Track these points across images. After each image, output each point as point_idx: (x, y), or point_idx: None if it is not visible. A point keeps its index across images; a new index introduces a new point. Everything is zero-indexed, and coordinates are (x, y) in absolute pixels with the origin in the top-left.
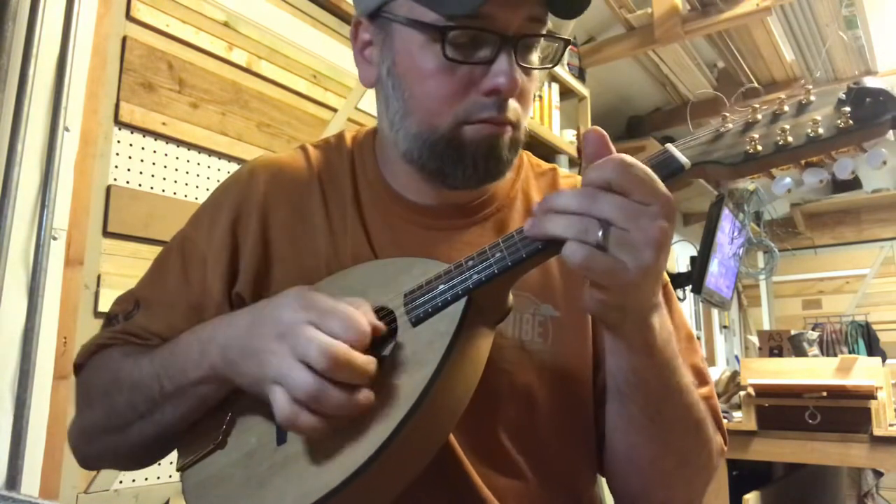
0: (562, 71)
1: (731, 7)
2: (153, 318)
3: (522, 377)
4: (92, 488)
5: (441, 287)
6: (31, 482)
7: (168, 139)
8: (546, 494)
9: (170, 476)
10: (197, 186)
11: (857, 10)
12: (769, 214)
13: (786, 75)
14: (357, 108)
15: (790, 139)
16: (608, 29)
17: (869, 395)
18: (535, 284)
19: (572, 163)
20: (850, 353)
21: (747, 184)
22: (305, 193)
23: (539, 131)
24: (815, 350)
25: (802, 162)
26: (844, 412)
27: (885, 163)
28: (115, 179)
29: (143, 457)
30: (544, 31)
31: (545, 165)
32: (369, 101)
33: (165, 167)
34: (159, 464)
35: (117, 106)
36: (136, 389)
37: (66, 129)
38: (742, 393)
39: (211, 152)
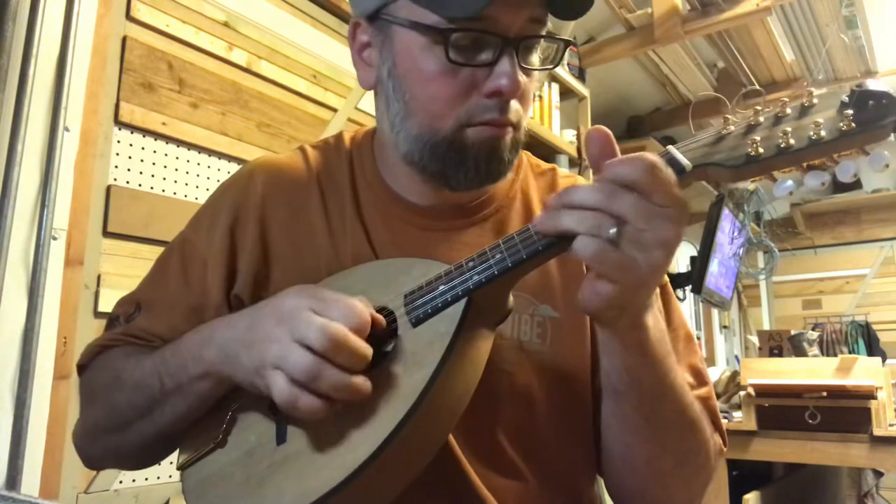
0: (562, 71)
1: (731, 7)
2: (154, 319)
3: (521, 378)
4: (92, 488)
5: (441, 288)
6: (31, 482)
7: (168, 139)
8: (545, 495)
9: (170, 476)
10: (197, 186)
11: (857, 10)
12: (769, 214)
13: (786, 75)
14: (357, 108)
15: (792, 142)
16: (608, 29)
17: (869, 395)
18: (534, 285)
19: (572, 163)
20: (850, 353)
21: (747, 184)
22: (304, 194)
23: (539, 131)
24: (815, 350)
25: (804, 164)
26: (844, 412)
27: (887, 165)
28: (115, 179)
29: (144, 457)
30: (544, 32)
31: (544, 165)
32: (369, 101)
33: (165, 167)
34: (159, 464)
35: (117, 106)
36: (137, 388)
37: (66, 129)
38: (742, 393)
39: (211, 152)
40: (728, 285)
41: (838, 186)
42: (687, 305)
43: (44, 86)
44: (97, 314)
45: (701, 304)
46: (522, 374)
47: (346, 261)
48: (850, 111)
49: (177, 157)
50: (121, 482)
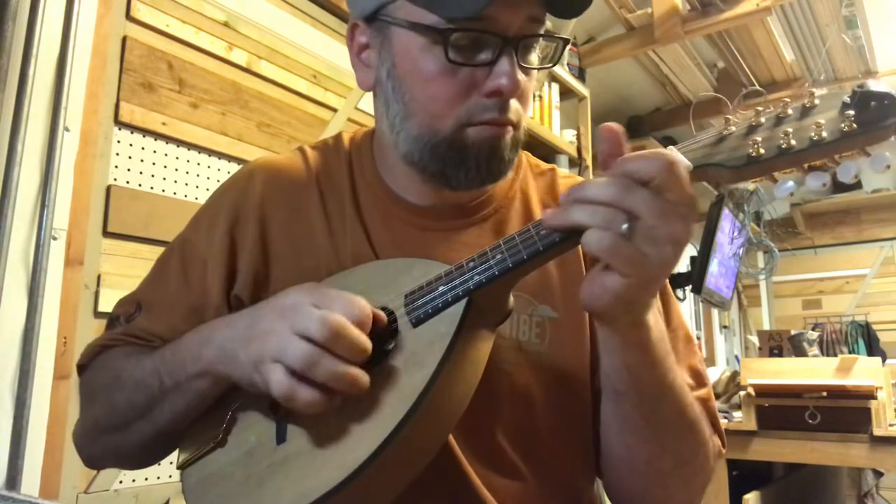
0: (562, 71)
1: (731, 7)
2: (154, 319)
3: (520, 378)
4: (92, 488)
5: (442, 288)
6: (31, 482)
7: (168, 139)
8: (545, 495)
9: (170, 476)
10: (197, 186)
11: (857, 10)
12: (769, 214)
13: (786, 75)
14: (357, 108)
15: (793, 142)
16: (608, 29)
17: (869, 395)
18: (533, 285)
19: (572, 163)
20: (850, 353)
21: (747, 184)
22: (303, 195)
23: (539, 131)
24: (815, 350)
25: (805, 165)
26: (844, 412)
27: (888, 167)
28: (115, 179)
29: (144, 456)
30: (543, 31)
31: (544, 166)
32: (369, 101)
33: (165, 167)
34: (159, 464)
35: (117, 106)
36: (137, 387)
37: (66, 129)
38: (742, 393)
39: (211, 152)
40: (728, 285)
41: (838, 186)
42: (687, 305)
43: (44, 86)
44: (97, 314)
45: (701, 304)
46: (521, 374)
47: (346, 261)
48: (852, 112)
49: (177, 157)
50: (121, 482)
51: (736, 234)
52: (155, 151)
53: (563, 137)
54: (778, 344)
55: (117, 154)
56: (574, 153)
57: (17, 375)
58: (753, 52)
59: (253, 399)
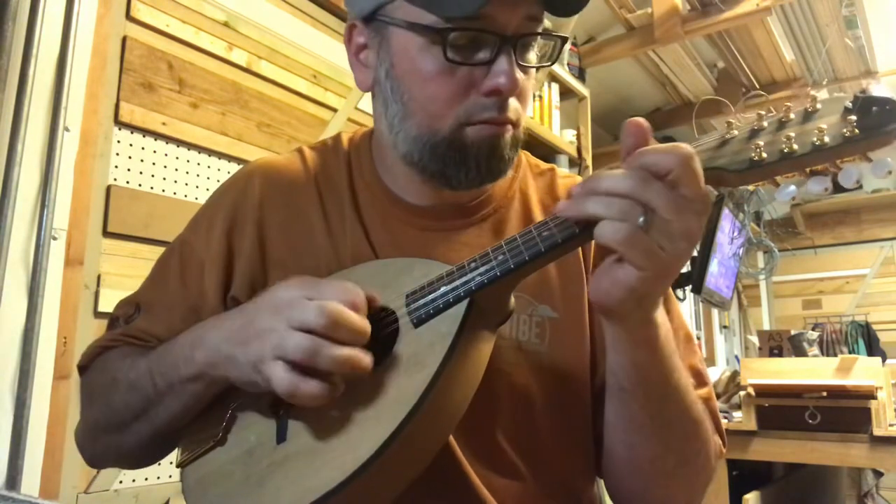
0: (562, 71)
1: (731, 7)
2: (153, 320)
3: (520, 378)
4: (92, 488)
5: (443, 288)
6: (31, 482)
7: (168, 139)
8: (545, 495)
9: (170, 476)
10: (197, 186)
11: (857, 10)
12: (769, 214)
13: (786, 75)
14: (357, 108)
15: (795, 147)
16: (608, 29)
17: (869, 395)
18: (533, 285)
19: (572, 163)
20: (850, 353)
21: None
22: (302, 196)
23: (539, 131)
24: (815, 350)
25: (807, 170)
26: (844, 412)
27: (890, 172)
28: (115, 179)
29: (143, 456)
30: (541, 30)
31: (543, 165)
32: (369, 101)
33: (165, 167)
34: (159, 464)
35: (117, 106)
36: (132, 389)
37: (66, 129)
38: (742, 393)
39: (211, 152)
40: (728, 285)
41: (838, 186)
42: (687, 305)
43: (44, 86)
44: (97, 314)
45: (701, 304)
46: (521, 374)
47: (346, 261)
48: (854, 117)
49: (177, 157)
50: (121, 482)
51: (736, 234)
52: (155, 151)
53: (563, 137)
54: (778, 344)
55: (117, 154)
56: (574, 153)
57: (17, 375)
58: (753, 52)
59: (253, 398)
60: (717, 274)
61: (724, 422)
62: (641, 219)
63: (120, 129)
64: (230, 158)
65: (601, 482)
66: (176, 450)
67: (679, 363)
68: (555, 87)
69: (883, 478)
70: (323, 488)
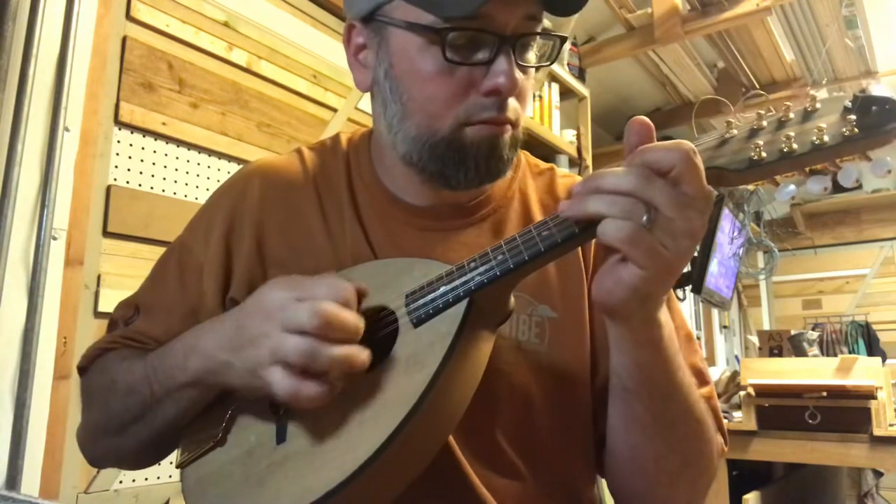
0: (562, 71)
1: (731, 7)
2: (152, 322)
3: (520, 378)
4: (92, 488)
5: (443, 288)
6: (31, 482)
7: (168, 139)
8: (544, 495)
9: (170, 476)
10: (197, 186)
11: (857, 10)
12: (769, 214)
13: (786, 75)
14: (357, 108)
15: (795, 146)
16: (608, 29)
17: (869, 395)
18: (532, 285)
19: (572, 163)
20: (850, 353)
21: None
22: (301, 196)
23: (539, 131)
24: (815, 350)
25: (807, 169)
26: (844, 412)
27: (889, 172)
28: (115, 179)
29: (143, 457)
30: (540, 30)
31: (543, 165)
32: (369, 101)
33: (165, 167)
34: (159, 464)
35: (117, 106)
36: (130, 393)
37: (66, 129)
38: (742, 393)
39: (211, 152)
40: (728, 285)
41: (838, 186)
42: (687, 305)
43: (44, 86)
44: (97, 314)
45: (701, 304)
46: (520, 374)
47: (346, 261)
48: (854, 116)
49: (177, 157)
50: (121, 482)
51: (736, 234)
52: (155, 151)
53: (563, 137)
54: (778, 344)
55: (117, 154)
56: (574, 153)
57: (17, 375)
58: (753, 52)
59: (253, 399)
60: (717, 274)
61: (724, 422)
62: (645, 217)
63: (120, 129)
64: (230, 158)
65: (601, 482)
66: (176, 450)
67: (682, 363)
68: (555, 87)
69: (883, 478)
70: (323, 488)
